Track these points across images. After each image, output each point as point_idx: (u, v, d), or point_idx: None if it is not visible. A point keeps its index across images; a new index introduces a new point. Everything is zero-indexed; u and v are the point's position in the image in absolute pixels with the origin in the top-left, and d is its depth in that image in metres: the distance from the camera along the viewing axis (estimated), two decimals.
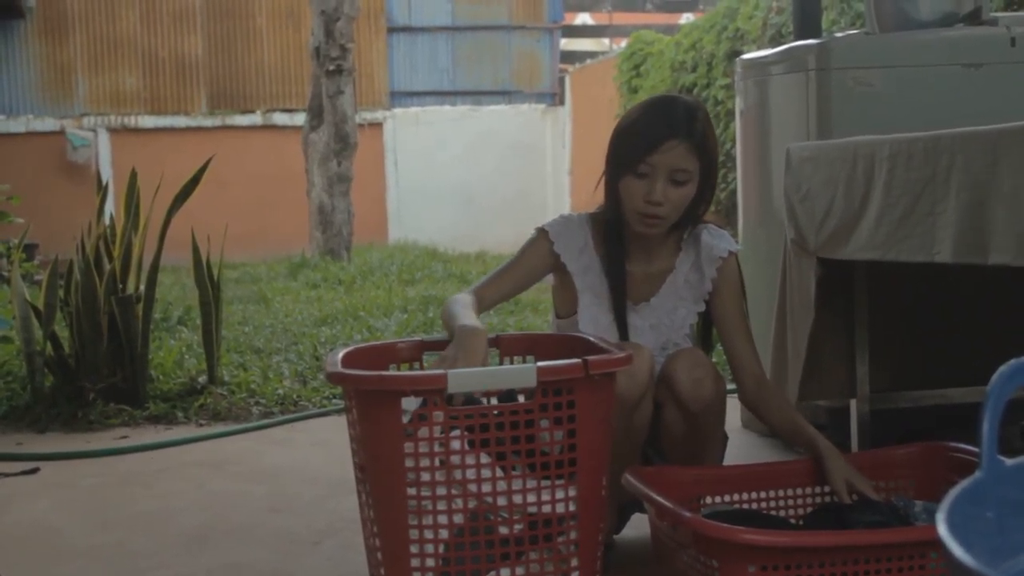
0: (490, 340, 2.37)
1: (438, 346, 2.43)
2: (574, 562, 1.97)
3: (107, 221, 4.41)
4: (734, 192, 5.52)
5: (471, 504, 1.91)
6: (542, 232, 2.51)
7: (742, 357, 2.50)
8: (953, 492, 0.92)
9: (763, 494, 2.37)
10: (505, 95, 16.34)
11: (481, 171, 15.45)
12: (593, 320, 2.48)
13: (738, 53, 7.06)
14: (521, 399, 2.07)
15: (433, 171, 15.49)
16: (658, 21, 16.36)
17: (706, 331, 2.62)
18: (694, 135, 2.37)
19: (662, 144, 2.35)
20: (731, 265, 2.51)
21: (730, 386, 2.53)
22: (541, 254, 2.50)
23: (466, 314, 2.23)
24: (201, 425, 4.16)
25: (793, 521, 2.35)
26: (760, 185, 3.52)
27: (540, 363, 1.94)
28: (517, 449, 1.92)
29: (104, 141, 14.88)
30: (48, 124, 14.84)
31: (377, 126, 15.55)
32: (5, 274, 4.80)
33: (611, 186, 2.44)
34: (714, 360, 2.57)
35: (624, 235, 2.48)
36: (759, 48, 7.02)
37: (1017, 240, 1.98)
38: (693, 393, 2.34)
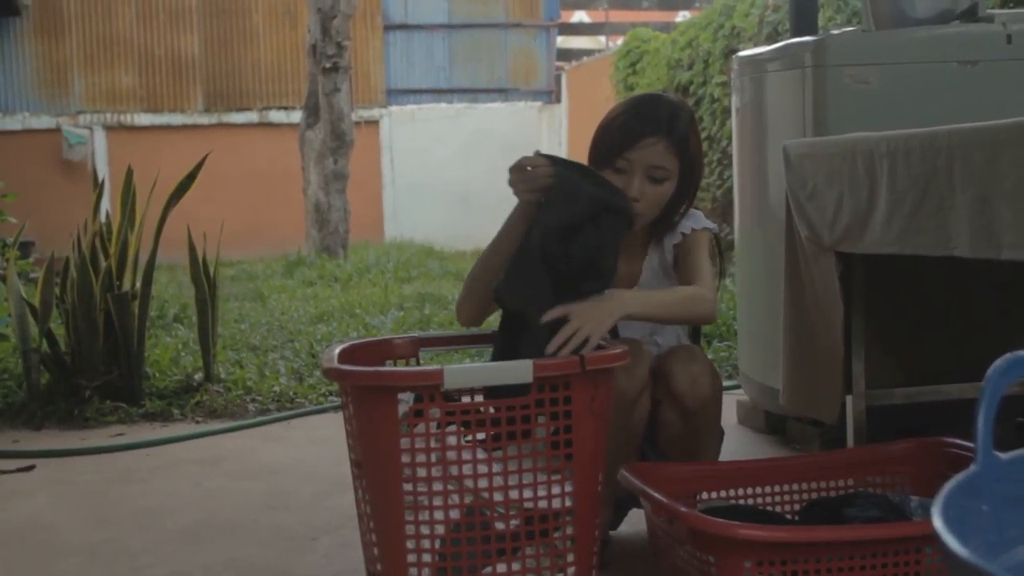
0: (483, 337, 2.38)
1: (434, 342, 2.44)
2: (570, 557, 1.97)
3: (103, 218, 4.42)
4: (730, 189, 5.52)
5: (467, 499, 1.91)
6: None
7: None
8: (948, 486, 0.92)
9: (759, 490, 2.38)
10: (501, 93, 16.35)
11: (477, 169, 15.45)
12: None
13: (734, 51, 7.07)
14: None
15: (429, 169, 15.49)
16: (654, 19, 16.36)
17: (695, 329, 2.61)
18: (674, 133, 2.36)
19: (640, 140, 2.35)
20: (697, 234, 2.46)
21: (727, 383, 2.52)
22: None
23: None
24: (197, 422, 4.15)
25: (788, 516, 2.36)
26: (756, 182, 3.51)
27: (536, 359, 1.93)
28: (513, 444, 1.92)
29: (100, 139, 14.88)
30: (44, 122, 14.84)
31: (373, 124, 15.56)
32: (1, 271, 4.78)
33: None
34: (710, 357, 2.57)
35: None
36: (755, 45, 7.02)
37: None
38: (690, 390, 2.34)
